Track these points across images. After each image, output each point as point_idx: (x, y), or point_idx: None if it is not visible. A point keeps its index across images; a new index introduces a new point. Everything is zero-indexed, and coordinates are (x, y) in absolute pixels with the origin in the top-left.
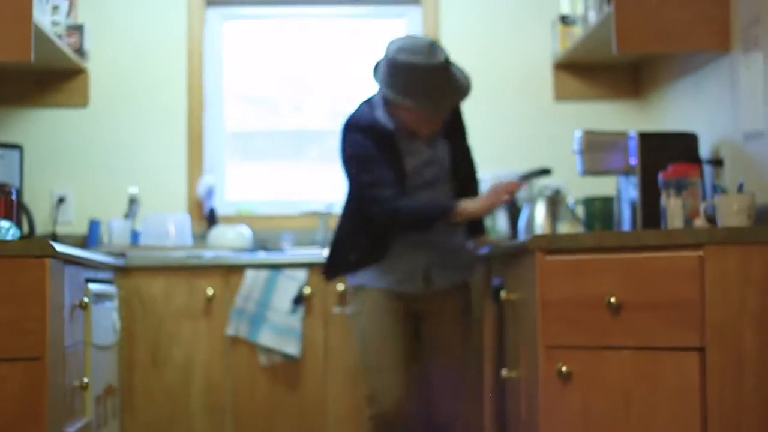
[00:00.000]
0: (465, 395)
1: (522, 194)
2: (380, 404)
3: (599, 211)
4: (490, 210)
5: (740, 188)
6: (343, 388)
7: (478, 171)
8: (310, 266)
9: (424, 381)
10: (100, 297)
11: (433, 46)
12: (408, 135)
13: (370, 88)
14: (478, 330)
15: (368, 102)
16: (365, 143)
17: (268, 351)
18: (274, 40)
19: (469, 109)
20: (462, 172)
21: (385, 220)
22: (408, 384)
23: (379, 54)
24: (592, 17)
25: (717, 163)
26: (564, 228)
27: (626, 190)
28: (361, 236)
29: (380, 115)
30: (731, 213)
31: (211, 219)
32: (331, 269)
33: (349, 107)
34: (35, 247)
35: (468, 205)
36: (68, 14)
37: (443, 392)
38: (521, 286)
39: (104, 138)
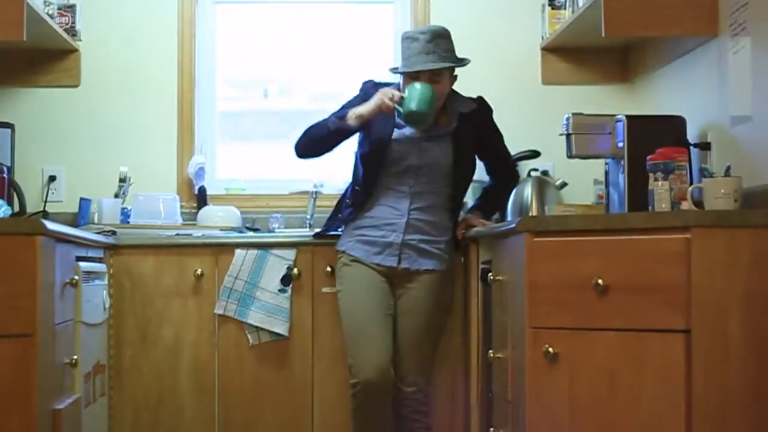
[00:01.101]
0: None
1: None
2: (362, 371)
3: None
4: (376, 111)
5: (727, 172)
6: (330, 368)
7: (514, 178)
8: (298, 246)
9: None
10: (90, 275)
11: (429, 25)
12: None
13: (360, 69)
14: (465, 310)
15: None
16: (354, 100)
17: (257, 330)
18: (264, 22)
19: (458, 91)
20: (494, 175)
21: (296, 144)
22: (389, 353)
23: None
24: (581, 1)
25: (704, 146)
26: (553, 210)
27: (614, 174)
28: (351, 196)
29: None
30: (718, 196)
31: (201, 198)
32: (325, 227)
33: (338, 89)
34: (26, 225)
35: (357, 109)
36: None
37: (412, 364)
38: (509, 268)
39: (95, 117)
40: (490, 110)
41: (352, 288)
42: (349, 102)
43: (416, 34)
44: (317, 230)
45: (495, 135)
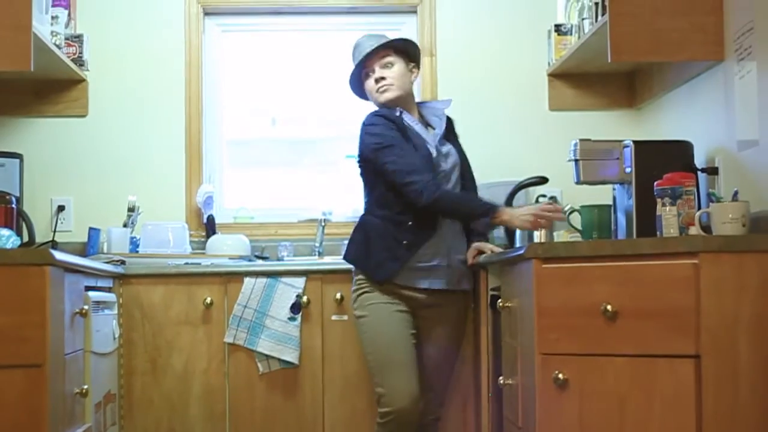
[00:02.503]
0: (449, 397)
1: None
2: (397, 400)
3: (596, 220)
4: (527, 228)
5: (735, 197)
6: (340, 396)
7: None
8: (308, 274)
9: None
10: (99, 304)
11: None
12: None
13: (352, 97)
14: (475, 337)
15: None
16: (389, 132)
17: (267, 358)
18: (271, 50)
19: (465, 117)
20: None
21: (428, 202)
22: (418, 382)
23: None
24: (587, 26)
25: (711, 171)
26: (560, 236)
27: (622, 199)
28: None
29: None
30: (726, 221)
31: (210, 227)
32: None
33: (345, 116)
34: (35, 256)
35: (507, 213)
36: (67, 24)
37: (434, 393)
38: (518, 294)
39: (103, 147)
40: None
41: (376, 311)
42: (386, 137)
43: (361, 39)
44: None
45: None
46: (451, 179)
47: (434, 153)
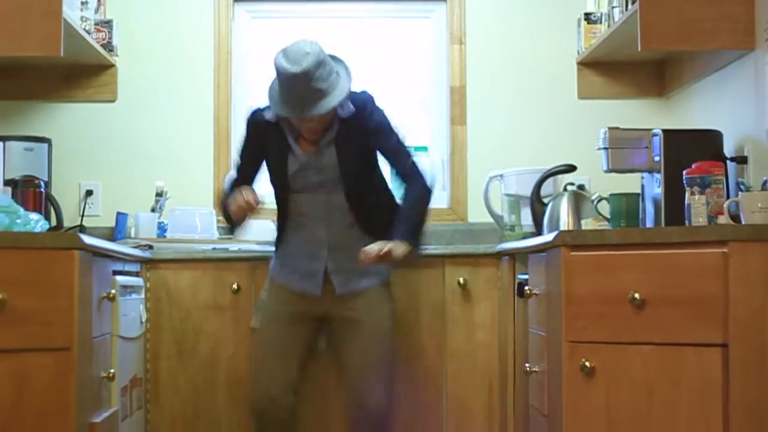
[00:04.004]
0: (390, 391)
1: (547, 190)
2: (256, 388)
3: (625, 208)
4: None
5: (764, 185)
6: None
7: (415, 185)
8: None
9: (345, 379)
10: (126, 289)
11: (306, 53)
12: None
13: (395, 83)
14: (501, 324)
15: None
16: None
17: None
18: (300, 37)
19: (493, 105)
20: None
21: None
22: (286, 379)
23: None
24: (617, 15)
25: (741, 160)
26: (588, 224)
27: (650, 187)
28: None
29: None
30: (755, 210)
31: None
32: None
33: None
34: (64, 240)
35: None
36: (97, 10)
37: (365, 389)
38: (546, 281)
39: (132, 132)
40: (369, 108)
41: (271, 303)
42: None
43: (292, 76)
44: None
45: (379, 134)
46: (324, 189)
47: (297, 167)
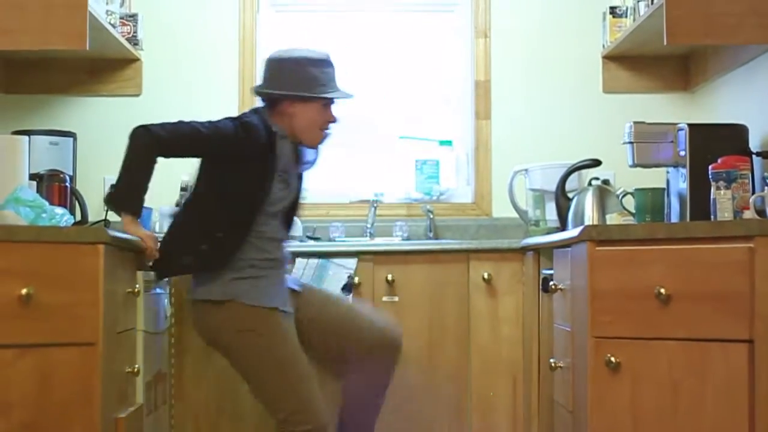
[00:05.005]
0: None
1: (572, 185)
2: (316, 414)
3: (650, 203)
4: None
5: None
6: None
7: None
8: (359, 255)
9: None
10: (151, 284)
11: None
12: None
13: (418, 77)
14: (518, 319)
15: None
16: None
17: None
18: (325, 30)
19: (517, 99)
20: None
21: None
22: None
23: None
24: (642, 9)
25: (767, 155)
26: (613, 219)
27: (675, 182)
28: (198, 240)
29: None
30: None
31: None
32: (163, 268)
33: (399, 96)
34: (89, 234)
35: (130, 221)
36: (122, 3)
37: (383, 320)
38: (571, 276)
39: None
40: None
41: (274, 330)
42: (227, 131)
43: (327, 59)
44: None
45: None
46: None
47: (282, 193)
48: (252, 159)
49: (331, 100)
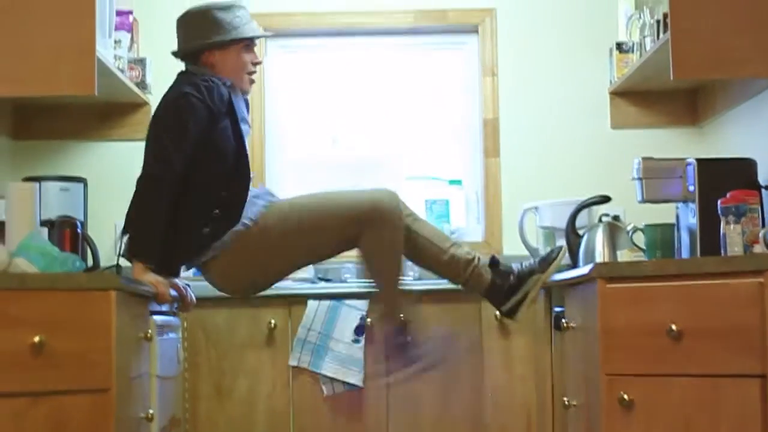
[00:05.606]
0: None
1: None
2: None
3: (660, 238)
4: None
5: None
6: (405, 417)
7: None
8: (371, 296)
9: None
10: (164, 328)
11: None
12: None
13: (426, 115)
14: (530, 357)
15: (191, 76)
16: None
17: (331, 381)
18: (333, 70)
19: (526, 136)
20: None
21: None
22: None
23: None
24: (648, 44)
25: None
26: (623, 255)
27: (685, 217)
28: (207, 209)
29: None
30: None
31: None
32: (186, 256)
33: (407, 136)
34: (101, 280)
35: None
36: (130, 48)
37: None
38: (582, 314)
39: None
40: None
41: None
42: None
43: (235, 3)
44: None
45: None
46: None
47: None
48: (224, 114)
49: (251, 41)
